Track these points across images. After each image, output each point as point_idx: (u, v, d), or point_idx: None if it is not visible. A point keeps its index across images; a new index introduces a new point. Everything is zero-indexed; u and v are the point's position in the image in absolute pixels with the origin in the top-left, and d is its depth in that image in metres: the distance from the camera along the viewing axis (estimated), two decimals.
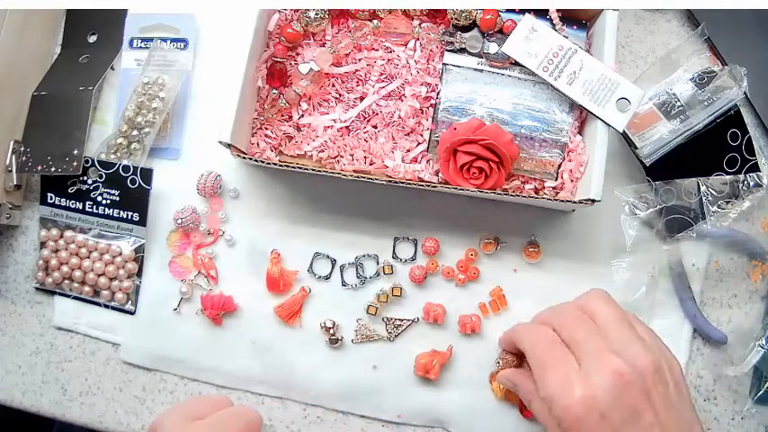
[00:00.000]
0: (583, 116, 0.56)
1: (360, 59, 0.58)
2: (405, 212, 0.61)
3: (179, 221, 0.61)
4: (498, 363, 0.57)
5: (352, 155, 0.58)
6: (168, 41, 0.64)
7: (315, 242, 0.61)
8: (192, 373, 0.61)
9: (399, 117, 0.58)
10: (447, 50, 0.57)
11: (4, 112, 0.61)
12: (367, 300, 0.60)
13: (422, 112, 0.58)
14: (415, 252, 0.61)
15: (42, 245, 0.63)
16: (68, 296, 0.63)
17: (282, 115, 0.59)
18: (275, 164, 0.57)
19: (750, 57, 0.60)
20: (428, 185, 0.56)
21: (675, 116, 0.58)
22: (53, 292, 0.63)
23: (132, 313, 0.62)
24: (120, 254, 0.62)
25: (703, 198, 0.58)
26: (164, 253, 0.62)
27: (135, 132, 0.61)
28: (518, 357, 0.56)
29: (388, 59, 0.58)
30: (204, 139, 0.63)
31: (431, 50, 0.58)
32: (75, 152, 0.60)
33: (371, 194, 0.61)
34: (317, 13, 0.57)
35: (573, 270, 0.60)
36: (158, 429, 0.51)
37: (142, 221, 0.61)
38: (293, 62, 0.59)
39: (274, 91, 0.58)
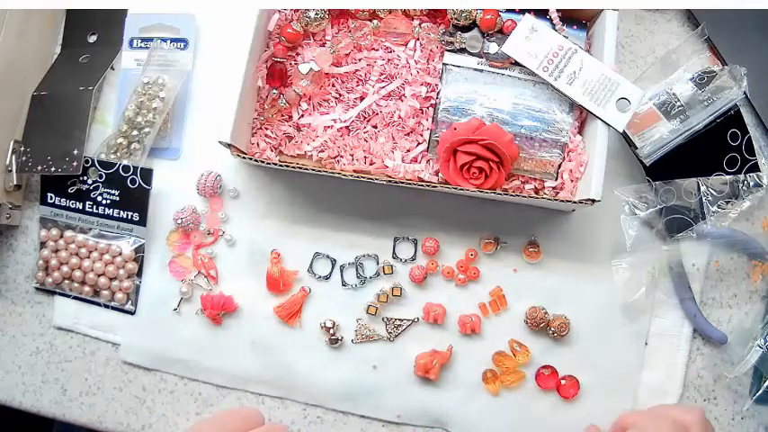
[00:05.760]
0: (583, 116, 0.56)
1: (360, 59, 0.58)
2: (405, 212, 0.61)
3: (179, 221, 0.61)
4: None
5: (352, 155, 0.58)
6: (168, 41, 0.64)
7: (315, 242, 0.61)
8: (192, 373, 0.61)
9: (399, 117, 0.58)
10: (447, 50, 0.57)
11: (4, 112, 0.61)
12: (367, 300, 0.60)
13: (422, 112, 0.58)
14: (415, 252, 0.61)
15: (42, 245, 0.63)
16: (68, 296, 0.63)
17: (282, 115, 0.59)
18: (275, 164, 0.57)
19: (750, 57, 0.60)
20: (428, 185, 0.56)
21: (675, 116, 0.58)
22: (53, 292, 0.63)
23: (132, 313, 0.62)
24: (120, 254, 0.62)
25: (703, 198, 0.58)
26: (164, 253, 0.62)
27: (135, 132, 0.61)
28: None
29: (388, 59, 0.58)
30: (204, 139, 0.63)
31: (431, 50, 0.58)
32: (75, 152, 0.60)
33: (371, 194, 0.61)
34: (317, 13, 0.57)
35: (573, 270, 0.60)
36: None
37: (142, 221, 0.61)
38: (293, 62, 0.59)
39: (274, 91, 0.58)
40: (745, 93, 0.58)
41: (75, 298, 0.63)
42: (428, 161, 0.58)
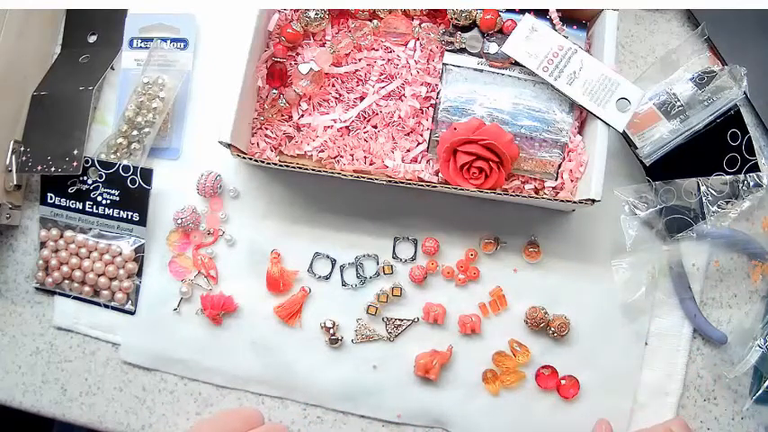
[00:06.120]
0: (583, 116, 0.56)
1: (360, 59, 0.58)
2: (405, 212, 0.61)
3: (179, 221, 0.61)
4: None
5: (352, 155, 0.58)
6: (168, 41, 0.64)
7: (315, 242, 0.61)
8: (192, 373, 0.61)
9: (399, 117, 0.58)
10: (447, 50, 0.57)
11: (4, 112, 0.61)
12: (367, 300, 0.60)
13: (422, 112, 0.58)
14: (415, 252, 0.61)
15: (42, 245, 0.63)
16: (68, 296, 0.63)
17: (282, 115, 0.59)
18: (275, 164, 0.57)
19: (750, 57, 0.60)
20: (428, 185, 0.56)
21: (675, 116, 0.58)
22: (53, 292, 0.63)
23: (132, 313, 0.62)
24: (120, 254, 0.62)
25: (703, 198, 0.58)
26: (164, 253, 0.62)
27: (135, 132, 0.61)
28: None
29: (388, 59, 0.58)
30: (204, 139, 0.63)
31: (431, 50, 0.58)
32: (75, 152, 0.60)
33: (371, 194, 0.61)
34: (317, 13, 0.57)
35: (573, 270, 0.60)
36: None
37: (142, 221, 0.61)
38: (293, 62, 0.59)
39: (274, 91, 0.58)
40: (745, 93, 0.58)
41: (75, 298, 0.63)
42: (428, 161, 0.58)
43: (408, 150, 0.58)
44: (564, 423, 0.58)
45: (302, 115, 0.59)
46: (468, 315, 0.59)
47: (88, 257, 0.62)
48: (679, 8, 0.64)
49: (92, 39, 0.66)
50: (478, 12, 0.56)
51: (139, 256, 0.62)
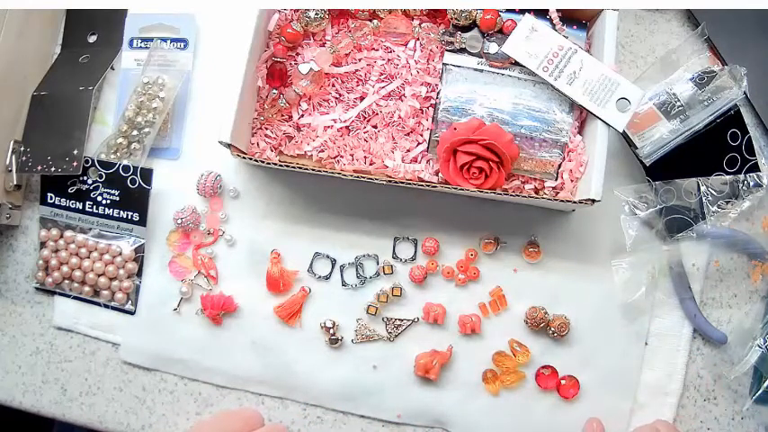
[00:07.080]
0: (583, 116, 0.56)
1: (360, 59, 0.58)
2: (405, 212, 0.61)
3: (179, 221, 0.61)
4: None
5: (352, 155, 0.58)
6: (168, 41, 0.64)
7: (315, 242, 0.61)
8: (191, 373, 0.61)
9: (399, 117, 0.58)
10: (447, 50, 0.57)
11: (4, 112, 0.61)
12: (367, 300, 0.60)
13: (422, 112, 0.58)
14: (415, 252, 0.61)
15: (42, 245, 0.63)
16: (68, 296, 0.63)
17: (282, 115, 0.59)
18: (275, 164, 0.57)
19: (750, 57, 0.60)
20: (428, 185, 0.56)
21: (675, 116, 0.58)
22: (53, 292, 0.63)
23: (132, 313, 0.62)
24: (120, 254, 0.62)
25: (703, 198, 0.58)
26: (164, 253, 0.62)
27: (135, 132, 0.61)
28: None
29: (388, 59, 0.58)
30: (204, 139, 0.63)
31: (431, 50, 0.58)
32: (75, 152, 0.60)
33: (371, 194, 0.61)
34: (317, 13, 0.57)
35: (573, 270, 0.60)
36: None
37: (142, 221, 0.61)
38: (293, 62, 0.59)
39: (274, 91, 0.58)
40: (745, 93, 0.58)
41: (75, 298, 0.63)
42: (428, 161, 0.58)
43: (408, 150, 0.58)
44: (564, 423, 0.58)
45: (302, 115, 0.59)
46: (468, 315, 0.59)
47: (88, 257, 0.62)
48: (679, 8, 0.64)
49: (92, 39, 0.66)
50: (478, 12, 0.56)
51: (139, 256, 0.62)
